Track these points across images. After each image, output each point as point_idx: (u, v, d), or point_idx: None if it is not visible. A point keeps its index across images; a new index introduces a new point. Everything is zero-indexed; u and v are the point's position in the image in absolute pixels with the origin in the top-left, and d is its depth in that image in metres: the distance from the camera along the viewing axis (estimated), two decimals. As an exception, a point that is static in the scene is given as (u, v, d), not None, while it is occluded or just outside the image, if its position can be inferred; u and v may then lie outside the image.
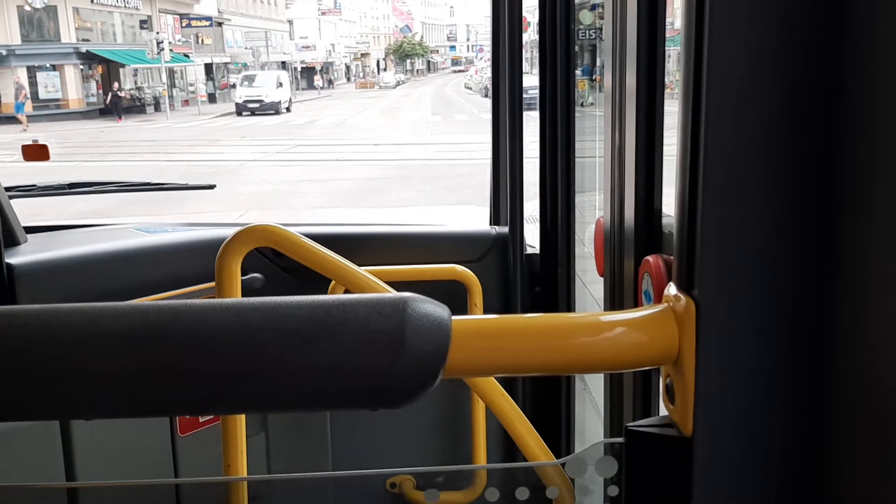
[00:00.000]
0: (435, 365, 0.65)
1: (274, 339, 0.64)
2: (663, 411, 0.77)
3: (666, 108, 1.35)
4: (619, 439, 0.76)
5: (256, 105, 38.15)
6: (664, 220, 1.38)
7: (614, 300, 1.57)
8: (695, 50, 0.66)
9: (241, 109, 38.51)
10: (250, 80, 40.93)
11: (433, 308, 0.66)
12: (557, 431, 2.29)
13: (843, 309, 0.66)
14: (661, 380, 0.76)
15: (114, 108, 35.89)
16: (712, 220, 0.67)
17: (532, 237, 2.50)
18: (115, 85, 37.34)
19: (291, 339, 0.64)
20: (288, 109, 39.69)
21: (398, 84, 71.43)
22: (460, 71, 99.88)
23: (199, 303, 0.66)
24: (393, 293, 0.67)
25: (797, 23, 0.64)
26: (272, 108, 38.26)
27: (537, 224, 2.34)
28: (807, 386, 0.69)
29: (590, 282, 2.25)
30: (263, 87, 39.45)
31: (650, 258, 1.27)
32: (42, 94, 35.62)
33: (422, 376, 0.65)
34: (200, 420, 2.37)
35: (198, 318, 0.65)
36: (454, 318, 0.68)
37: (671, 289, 0.73)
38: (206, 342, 0.64)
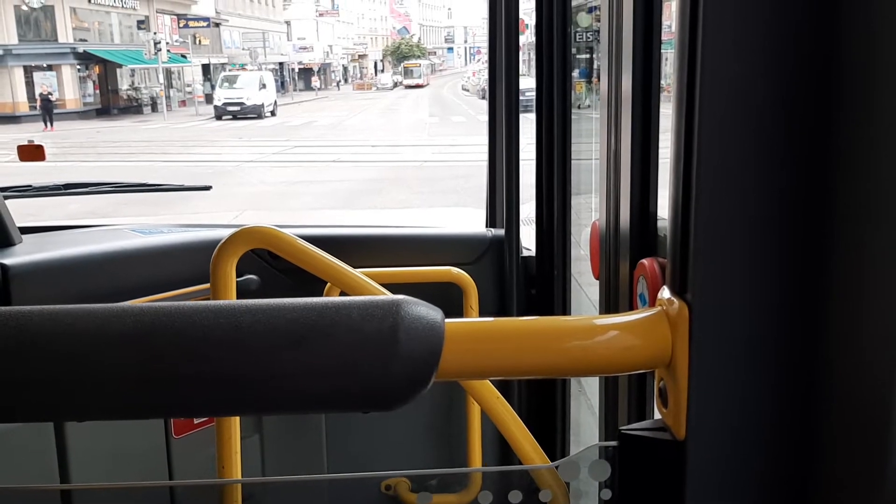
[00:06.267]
0: (428, 367, 0.65)
1: (267, 342, 0.64)
2: (657, 414, 0.77)
3: (662, 112, 1.35)
4: (613, 443, 0.76)
5: (237, 108, 34.76)
6: (659, 224, 1.38)
7: (609, 303, 1.57)
8: (688, 54, 0.66)
9: (220, 113, 34.91)
10: (231, 81, 37.29)
11: (426, 311, 0.66)
12: (553, 434, 2.29)
13: (834, 313, 0.66)
14: (654, 383, 0.76)
15: (44, 113, 30.52)
16: (705, 224, 0.67)
17: (528, 239, 2.50)
18: (44, 87, 32.78)
19: (284, 341, 0.64)
20: (273, 113, 36.32)
21: (395, 86, 71.04)
22: (415, 87, 67.20)
23: (192, 305, 0.66)
24: (387, 295, 0.67)
25: (790, 27, 0.64)
26: (254, 112, 34.81)
27: (533, 226, 2.34)
28: (799, 390, 0.69)
29: (586, 284, 2.25)
30: (245, 88, 36.03)
31: (645, 261, 1.27)
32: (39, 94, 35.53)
33: (414, 379, 0.65)
34: (195, 422, 2.36)
35: (190, 320, 0.64)
36: (447, 320, 0.68)
37: (664, 292, 0.73)
38: (198, 344, 0.64)
